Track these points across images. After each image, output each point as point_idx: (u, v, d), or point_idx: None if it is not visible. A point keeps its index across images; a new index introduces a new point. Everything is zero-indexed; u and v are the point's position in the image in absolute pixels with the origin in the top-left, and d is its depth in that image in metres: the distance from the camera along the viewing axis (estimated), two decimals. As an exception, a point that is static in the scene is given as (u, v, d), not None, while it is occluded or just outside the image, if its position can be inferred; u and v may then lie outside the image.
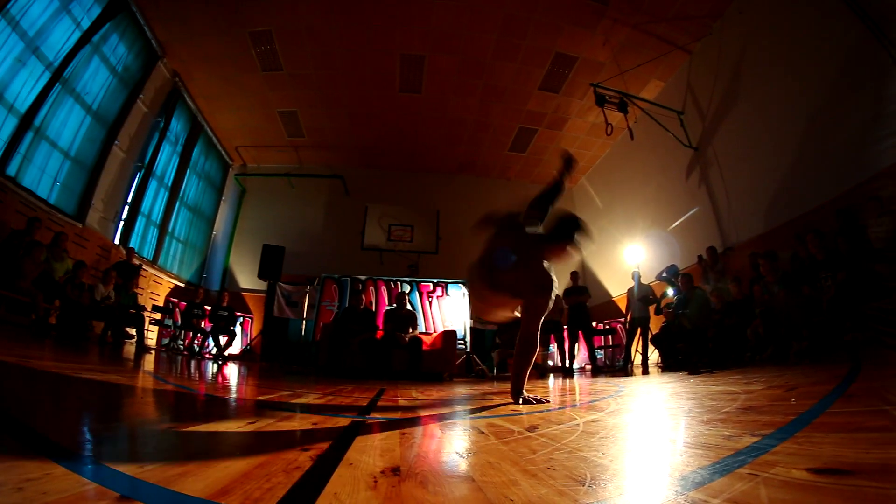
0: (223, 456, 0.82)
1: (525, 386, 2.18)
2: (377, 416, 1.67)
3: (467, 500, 0.61)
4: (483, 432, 1.28)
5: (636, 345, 6.74)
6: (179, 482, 0.62)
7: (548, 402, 2.15)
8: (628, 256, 8.49)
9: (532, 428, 1.31)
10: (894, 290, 3.28)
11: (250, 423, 1.30)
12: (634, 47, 7.14)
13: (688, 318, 5.30)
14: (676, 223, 7.45)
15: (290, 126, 9.78)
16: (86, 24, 5.99)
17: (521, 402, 2.09)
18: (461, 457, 0.95)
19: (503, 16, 6.85)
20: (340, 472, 0.74)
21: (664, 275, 6.59)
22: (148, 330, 6.87)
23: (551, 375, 6.44)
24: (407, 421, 1.55)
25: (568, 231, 2.22)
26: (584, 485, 0.65)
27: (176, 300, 8.31)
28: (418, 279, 9.27)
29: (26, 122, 5.36)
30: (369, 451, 1.00)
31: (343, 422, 1.43)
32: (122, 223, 7.37)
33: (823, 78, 4.88)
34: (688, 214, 7.20)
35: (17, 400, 1.31)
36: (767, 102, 5.72)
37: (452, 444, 1.15)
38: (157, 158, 8.05)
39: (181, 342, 7.64)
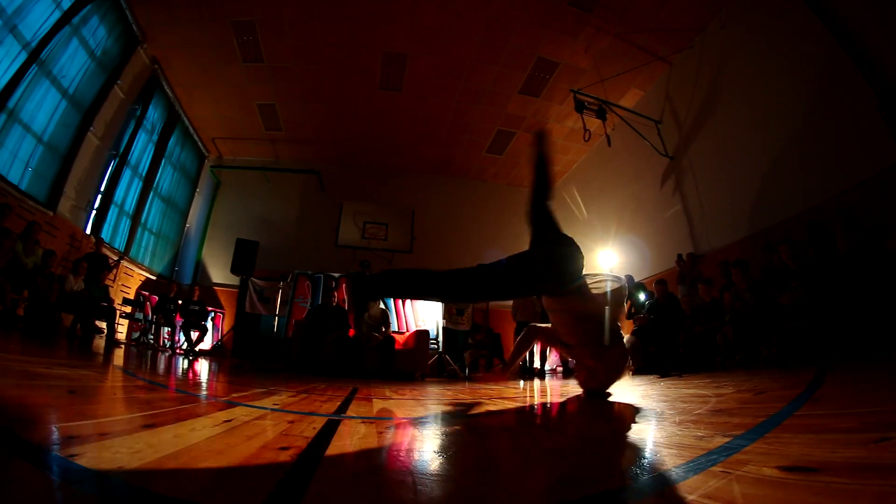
0: (200, 455, 0.80)
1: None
2: (352, 414, 1.66)
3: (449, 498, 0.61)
4: (461, 430, 1.28)
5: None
6: (152, 482, 0.60)
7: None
8: (602, 261, 8.62)
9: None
10: (861, 300, 3.43)
11: (226, 421, 1.27)
12: (616, 56, 7.25)
13: (658, 322, 5.38)
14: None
15: (268, 119, 9.62)
16: (66, 4, 5.74)
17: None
18: (438, 455, 0.94)
19: (487, 18, 6.88)
20: (322, 471, 0.73)
21: None
22: (118, 324, 6.65)
23: (521, 379, 6.53)
24: (383, 420, 1.55)
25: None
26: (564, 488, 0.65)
27: (147, 293, 8.08)
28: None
29: (0, 103, 5.10)
30: (348, 451, 0.99)
31: (319, 420, 1.40)
32: (94, 212, 7.11)
33: (798, 93, 5.06)
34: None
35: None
36: (743, 116, 5.90)
37: (429, 442, 1.14)
38: (133, 147, 7.81)
39: (151, 336, 7.44)
